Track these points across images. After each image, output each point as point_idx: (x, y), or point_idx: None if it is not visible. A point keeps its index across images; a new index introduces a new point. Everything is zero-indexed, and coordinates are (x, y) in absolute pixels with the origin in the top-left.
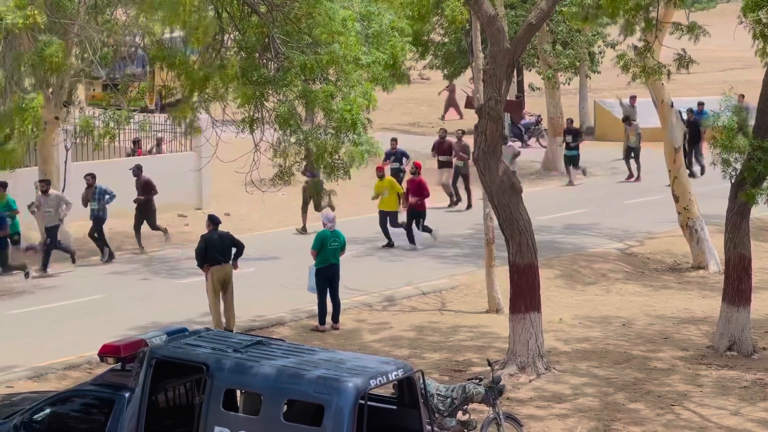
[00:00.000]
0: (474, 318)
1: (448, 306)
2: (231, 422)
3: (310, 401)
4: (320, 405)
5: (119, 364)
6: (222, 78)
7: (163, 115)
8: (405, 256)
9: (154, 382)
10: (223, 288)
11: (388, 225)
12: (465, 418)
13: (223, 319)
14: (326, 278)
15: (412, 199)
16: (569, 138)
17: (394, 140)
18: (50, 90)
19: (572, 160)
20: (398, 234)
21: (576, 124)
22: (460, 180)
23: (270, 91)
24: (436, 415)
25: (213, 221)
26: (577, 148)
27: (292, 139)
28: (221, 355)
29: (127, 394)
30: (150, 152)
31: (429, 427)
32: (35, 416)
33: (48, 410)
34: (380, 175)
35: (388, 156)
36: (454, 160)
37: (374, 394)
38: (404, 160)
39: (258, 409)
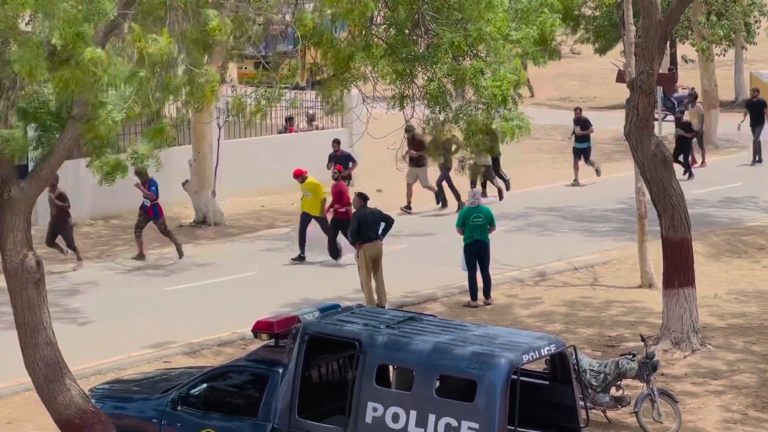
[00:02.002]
0: (627, 293)
1: (600, 281)
2: (384, 398)
3: (462, 377)
4: (472, 380)
5: (273, 340)
6: (368, 56)
7: (314, 92)
8: (556, 231)
9: (308, 358)
10: (374, 265)
11: (308, 230)
12: (618, 393)
13: (375, 296)
14: (473, 254)
15: (337, 208)
16: (577, 128)
17: (336, 142)
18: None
19: (583, 153)
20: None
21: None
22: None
23: (419, 68)
24: (589, 390)
25: (362, 198)
26: (587, 139)
27: (441, 117)
28: (374, 331)
29: (281, 370)
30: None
31: (582, 403)
32: (192, 391)
33: (204, 385)
34: (334, 176)
35: (330, 159)
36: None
37: (526, 369)
38: (350, 164)
39: (410, 384)
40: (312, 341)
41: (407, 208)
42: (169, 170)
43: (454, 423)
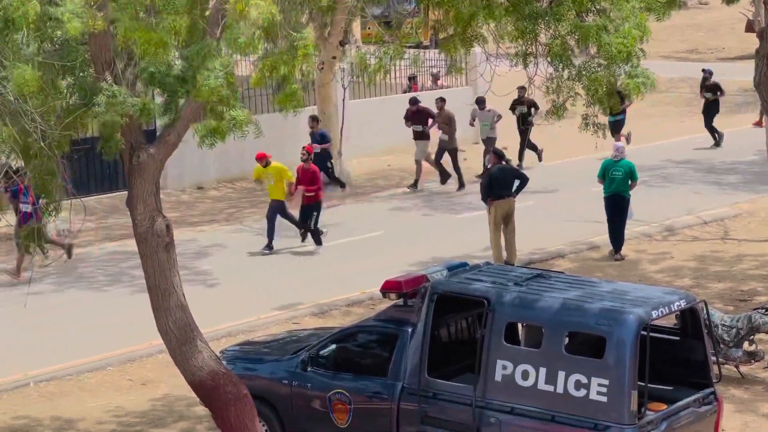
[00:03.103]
0: (759, 246)
1: (730, 234)
2: (513, 355)
3: (591, 333)
4: (602, 337)
5: (401, 299)
6: (490, 16)
7: (437, 51)
8: (684, 184)
9: (436, 316)
10: (505, 222)
11: (279, 216)
12: (751, 348)
13: (504, 253)
14: (610, 207)
15: (306, 191)
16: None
17: (313, 119)
18: (327, 30)
19: (615, 127)
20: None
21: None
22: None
23: (542, 26)
24: (721, 345)
25: (497, 155)
26: (622, 112)
27: (565, 74)
28: (502, 289)
29: (409, 329)
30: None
31: (713, 358)
32: (321, 352)
33: (333, 346)
34: (304, 158)
35: (314, 138)
36: (439, 134)
37: (656, 325)
38: (325, 143)
39: (539, 341)
40: (440, 300)
41: (443, 181)
42: (296, 132)
43: (584, 380)
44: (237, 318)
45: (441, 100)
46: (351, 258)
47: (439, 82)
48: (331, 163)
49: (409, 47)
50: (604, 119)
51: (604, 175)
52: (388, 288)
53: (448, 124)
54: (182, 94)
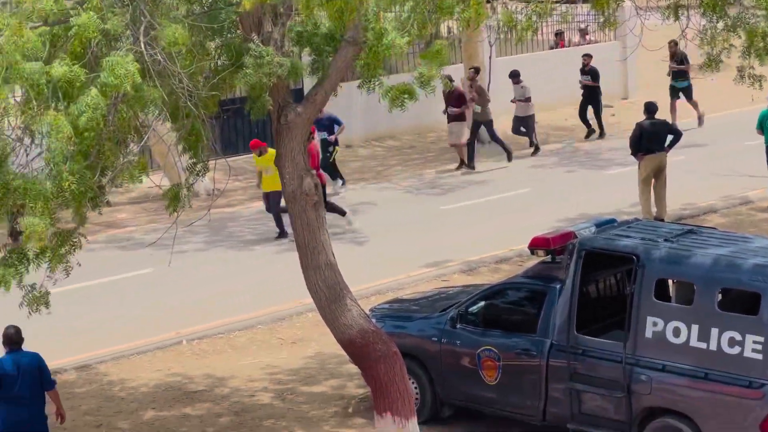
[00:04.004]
0: None
1: None
2: (663, 312)
3: (745, 289)
4: (756, 293)
5: (549, 256)
6: None
7: (586, 6)
8: None
9: (584, 273)
10: (655, 177)
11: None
12: None
13: (654, 209)
14: None
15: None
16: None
17: (476, 71)
18: None
19: (685, 92)
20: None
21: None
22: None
23: None
24: None
25: (648, 109)
26: (686, 76)
27: (720, 25)
28: (651, 245)
29: (558, 286)
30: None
31: None
32: (470, 309)
33: (482, 303)
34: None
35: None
36: (472, 107)
37: None
38: (336, 128)
39: (691, 298)
40: (589, 256)
41: (467, 166)
42: (441, 89)
43: (738, 337)
44: (386, 276)
45: (474, 72)
46: (498, 215)
47: (587, 37)
48: (331, 152)
49: (557, 2)
50: (761, 71)
51: (762, 125)
52: (536, 245)
53: (480, 95)
54: (330, 52)
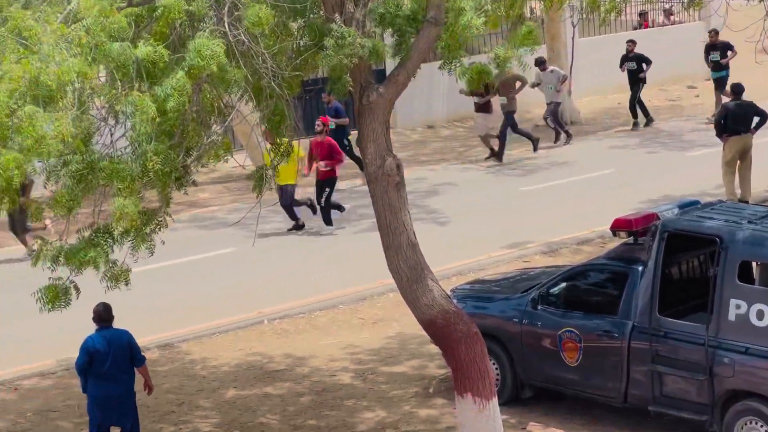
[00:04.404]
0: None
1: None
2: (746, 295)
3: None
4: None
5: (631, 238)
6: None
7: None
8: None
9: (667, 255)
10: (740, 159)
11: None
12: None
13: (738, 191)
14: None
15: (327, 164)
16: (714, 54)
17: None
18: None
19: (718, 82)
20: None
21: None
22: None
23: None
24: None
25: (734, 90)
26: (725, 67)
27: None
28: (735, 227)
29: (640, 268)
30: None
31: None
32: (552, 290)
33: (563, 284)
34: (319, 130)
35: (328, 111)
36: (499, 101)
37: None
38: (345, 120)
39: None
40: (671, 238)
41: (495, 157)
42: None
43: None
44: (467, 256)
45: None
46: (580, 196)
47: (671, 18)
48: (348, 141)
49: None
50: None
51: None
52: (618, 226)
53: (504, 87)
54: (412, 33)
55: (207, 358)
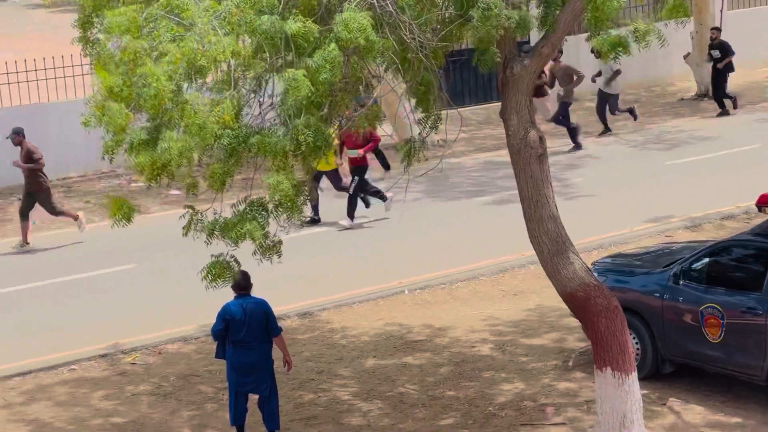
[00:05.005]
0: None
1: None
2: None
3: None
4: None
5: None
6: None
7: None
8: None
9: None
10: None
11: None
12: None
13: None
14: None
15: (357, 154)
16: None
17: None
18: None
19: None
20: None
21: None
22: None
23: None
24: None
25: None
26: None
27: None
28: None
29: None
30: None
31: None
32: (694, 265)
33: (706, 260)
34: None
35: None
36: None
37: None
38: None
39: None
40: None
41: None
42: (671, 44)
43: None
44: (608, 230)
45: (559, 52)
46: (725, 171)
47: None
48: None
49: None
50: None
51: None
52: (764, 202)
53: (557, 76)
54: (558, 5)
55: (347, 327)
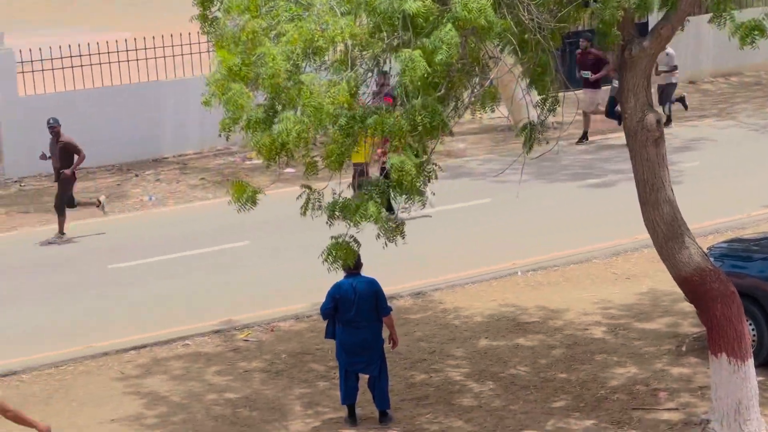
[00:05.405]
0: None
1: None
2: None
3: None
4: None
5: None
6: None
7: None
8: None
9: None
10: None
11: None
12: None
13: None
14: None
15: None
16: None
17: (383, 74)
18: None
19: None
20: None
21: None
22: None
23: None
24: None
25: None
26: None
27: None
28: None
29: None
30: None
31: None
32: None
33: None
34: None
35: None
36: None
37: None
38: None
39: None
40: None
41: (584, 139)
42: None
43: None
44: (725, 214)
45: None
46: None
47: None
48: None
49: None
50: None
51: None
52: None
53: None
54: None
55: (459, 308)
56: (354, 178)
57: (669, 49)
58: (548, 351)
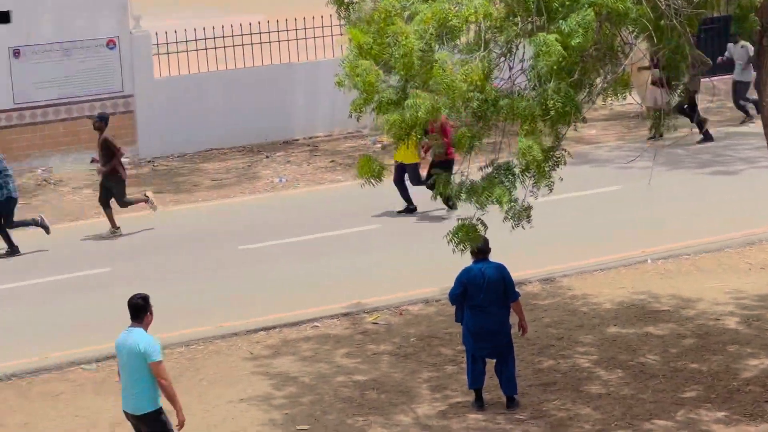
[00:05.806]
0: None
1: None
2: None
3: None
4: None
5: None
6: None
7: None
8: None
9: None
10: None
11: (408, 182)
12: None
13: None
14: None
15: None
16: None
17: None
18: None
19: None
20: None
21: None
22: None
23: None
24: None
25: None
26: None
27: None
28: None
29: None
30: None
31: None
32: None
33: None
34: None
35: None
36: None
37: None
38: None
39: None
40: None
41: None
42: None
43: None
44: None
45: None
46: None
47: None
48: None
49: None
50: None
51: None
52: None
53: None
54: None
55: (588, 294)
56: (398, 180)
57: (744, 42)
58: (679, 340)
